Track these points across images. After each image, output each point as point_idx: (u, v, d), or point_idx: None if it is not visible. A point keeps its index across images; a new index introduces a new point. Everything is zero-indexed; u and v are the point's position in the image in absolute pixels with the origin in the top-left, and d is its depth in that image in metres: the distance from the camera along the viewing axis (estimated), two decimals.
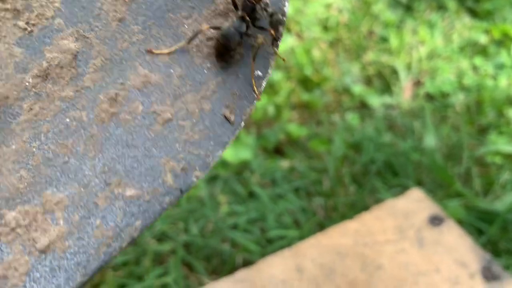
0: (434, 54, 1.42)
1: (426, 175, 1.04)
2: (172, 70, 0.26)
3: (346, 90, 1.29)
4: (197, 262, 0.84)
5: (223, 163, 1.06)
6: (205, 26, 0.26)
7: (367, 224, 0.72)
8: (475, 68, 1.40)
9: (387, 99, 1.26)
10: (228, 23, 0.27)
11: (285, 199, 0.99)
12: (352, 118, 1.17)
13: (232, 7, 0.28)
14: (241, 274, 0.63)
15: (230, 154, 1.04)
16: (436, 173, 0.98)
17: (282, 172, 1.04)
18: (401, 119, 1.17)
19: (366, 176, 1.02)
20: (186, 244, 0.87)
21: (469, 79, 1.33)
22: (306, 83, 1.28)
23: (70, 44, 0.25)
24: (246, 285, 0.61)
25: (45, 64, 0.25)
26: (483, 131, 1.18)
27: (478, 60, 1.41)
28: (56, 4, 0.25)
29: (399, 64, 1.37)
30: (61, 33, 0.25)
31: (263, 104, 1.20)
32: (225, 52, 0.27)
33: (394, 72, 1.36)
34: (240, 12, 0.27)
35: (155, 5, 0.26)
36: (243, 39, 0.27)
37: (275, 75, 1.28)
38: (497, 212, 0.89)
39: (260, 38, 0.27)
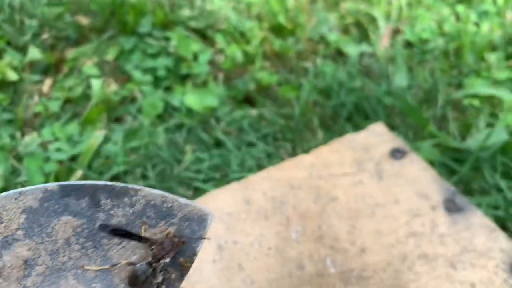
0: (414, 2, 1.36)
1: (399, 119, 0.99)
2: (94, 285, 0.32)
3: (322, 39, 1.24)
4: None
5: (189, 112, 1.02)
6: (123, 261, 0.32)
7: (324, 157, 0.68)
8: (457, 16, 1.34)
9: (364, 48, 1.21)
10: (140, 263, 0.32)
11: (251, 146, 0.95)
12: (325, 64, 1.12)
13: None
14: None
15: (195, 102, 1.00)
16: (409, 115, 0.93)
17: (249, 120, 0.99)
18: (376, 65, 1.12)
19: (336, 121, 0.97)
20: None
21: (450, 26, 1.27)
22: (279, 31, 1.23)
23: (24, 252, 0.32)
24: None
25: (1, 264, 0.31)
26: (461, 76, 1.13)
27: (461, 8, 1.35)
28: (21, 220, 0.32)
29: (378, 12, 1.31)
30: (19, 242, 0.32)
31: (232, 53, 1.15)
32: (135, 283, 0.32)
33: (373, 20, 1.30)
34: (150, 258, 0.32)
35: (94, 231, 0.32)
36: (149, 279, 0.32)
37: (247, 24, 1.23)
38: (470, 150, 0.84)
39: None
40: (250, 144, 0.95)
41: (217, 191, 0.61)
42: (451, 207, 0.64)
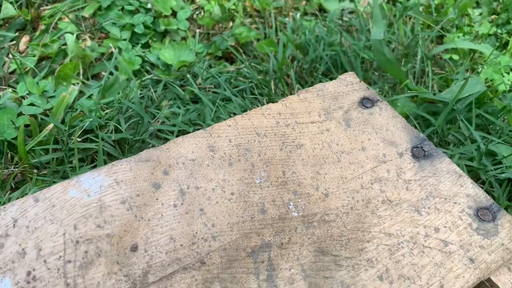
0: None
1: (377, 74, 0.98)
2: None
3: None
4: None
5: (165, 68, 1.00)
6: None
7: (292, 106, 0.67)
8: None
9: (346, 4, 1.19)
10: None
11: (227, 101, 0.94)
12: (304, 20, 1.11)
13: None
14: (146, 153, 0.58)
15: (171, 57, 0.98)
16: (386, 68, 0.92)
17: (226, 76, 0.98)
18: (356, 21, 1.10)
19: (313, 75, 0.96)
20: (117, 142, 0.83)
21: None
22: None
23: None
24: (150, 164, 0.57)
25: None
26: (443, 31, 1.12)
27: None
28: None
29: None
30: None
31: (211, 9, 1.13)
32: None
33: None
34: None
35: None
36: None
37: None
38: (445, 101, 0.84)
39: None
40: (226, 99, 0.94)
41: (182, 138, 0.60)
42: (419, 154, 0.64)
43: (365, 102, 0.68)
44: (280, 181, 0.58)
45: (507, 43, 1.09)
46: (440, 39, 1.12)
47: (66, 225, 0.50)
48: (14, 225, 0.49)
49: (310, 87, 0.69)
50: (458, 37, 1.05)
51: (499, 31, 1.11)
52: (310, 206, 0.57)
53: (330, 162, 0.61)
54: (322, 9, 1.21)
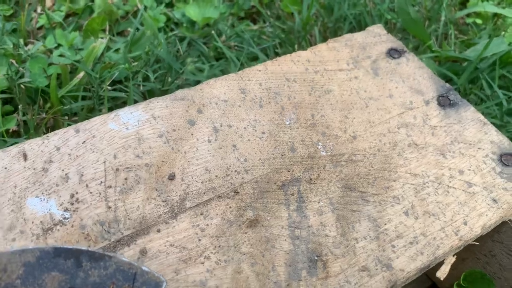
0: None
1: (401, 35, 0.99)
2: None
3: None
4: None
5: (190, 25, 1.02)
6: None
7: (321, 54, 0.68)
8: None
9: None
10: None
11: (251, 58, 0.95)
12: None
13: None
14: (181, 92, 0.60)
15: (195, 13, 1.00)
16: (410, 29, 0.93)
17: (251, 34, 0.99)
18: None
19: (337, 34, 0.97)
20: (143, 94, 0.85)
21: None
22: None
23: None
24: (185, 103, 0.59)
25: None
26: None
27: None
28: (21, 271, 0.38)
29: None
30: None
31: None
32: None
33: None
34: None
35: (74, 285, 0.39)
36: None
37: None
38: (469, 59, 0.84)
39: None
40: (250, 56, 0.95)
41: (214, 80, 0.62)
42: (445, 103, 0.65)
43: (393, 53, 0.70)
44: (309, 123, 0.60)
45: None
46: (463, 5, 1.12)
47: (106, 154, 0.52)
48: (57, 152, 0.52)
49: (339, 37, 0.71)
50: (482, 1, 1.05)
51: None
52: (338, 147, 0.58)
53: (358, 108, 0.63)
54: None
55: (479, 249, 0.61)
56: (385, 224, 0.52)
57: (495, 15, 1.04)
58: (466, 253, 0.62)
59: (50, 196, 0.48)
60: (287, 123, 0.60)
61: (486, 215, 0.54)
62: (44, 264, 0.39)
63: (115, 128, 0.55)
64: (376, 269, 0.49)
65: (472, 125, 0.63)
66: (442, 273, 0.52)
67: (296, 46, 0.95)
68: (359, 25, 0.98)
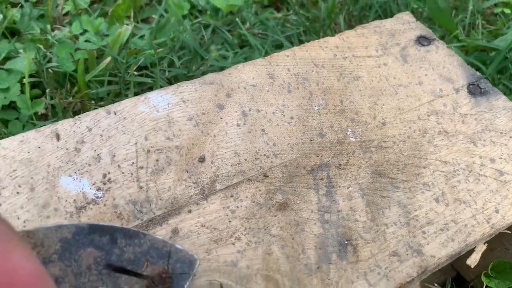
0: None
1: (427, 24, 0.98)
2: None
3: None
4: None
5: (214, 12, 1.02)
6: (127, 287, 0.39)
7: (349, 40, 0.68)
8: None
9: None
10: None
11: (276, 45, 0.95)
12: None
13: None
14: (210, 77, 0.60)
15: (219, 0, 0.99)
16: (437, 18, 0.92)
17: (275, 22, 0.99)
18: None
19: (362, 23, 0.96)
20: (169, 80, 0.85)
21: None
22: None
23: (56, 271, 0.38)
24: (214, 87, 0.59)
25: None
26: None
27: None
28: (57, 247, 0.38)
29: None
30: (53, 263, 0.38)
31: None
32: None
33: None
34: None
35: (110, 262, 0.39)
36: None
37: None
38: (498, 48, 0.83)
39: None
40: (275, 44, 0.95)
41: (242, 65, 0.62)
42: (475, 91, 0.64)
43: (422, 40, 0.69)
44: (338, 109, 0.60)
45: None
46: None
47: (137, 136, 0.53)
48: (89, 133, 0.52)
49: (367, 24, 0.70)
50: None
51: None
52: (368, 133, 0.58)
53: (387, 94, 0.62)
54: None
55: (509, 239, 0.60)
56: (415, 210, 0.52)
57: None
58: (495, 243, 0.62)
59: (83, 176, 0.49)
60: (316, 108, 0.59)
61: None
62: (80, 240, 0.39)
63: (146, 111, 0.55)
64: (407, 254, 0.49)
65: (504, 113, 0.62)
66: (472, 261, 0.52)
67: (321, 34, 0.95)
68: (385, 14, 0.97)
